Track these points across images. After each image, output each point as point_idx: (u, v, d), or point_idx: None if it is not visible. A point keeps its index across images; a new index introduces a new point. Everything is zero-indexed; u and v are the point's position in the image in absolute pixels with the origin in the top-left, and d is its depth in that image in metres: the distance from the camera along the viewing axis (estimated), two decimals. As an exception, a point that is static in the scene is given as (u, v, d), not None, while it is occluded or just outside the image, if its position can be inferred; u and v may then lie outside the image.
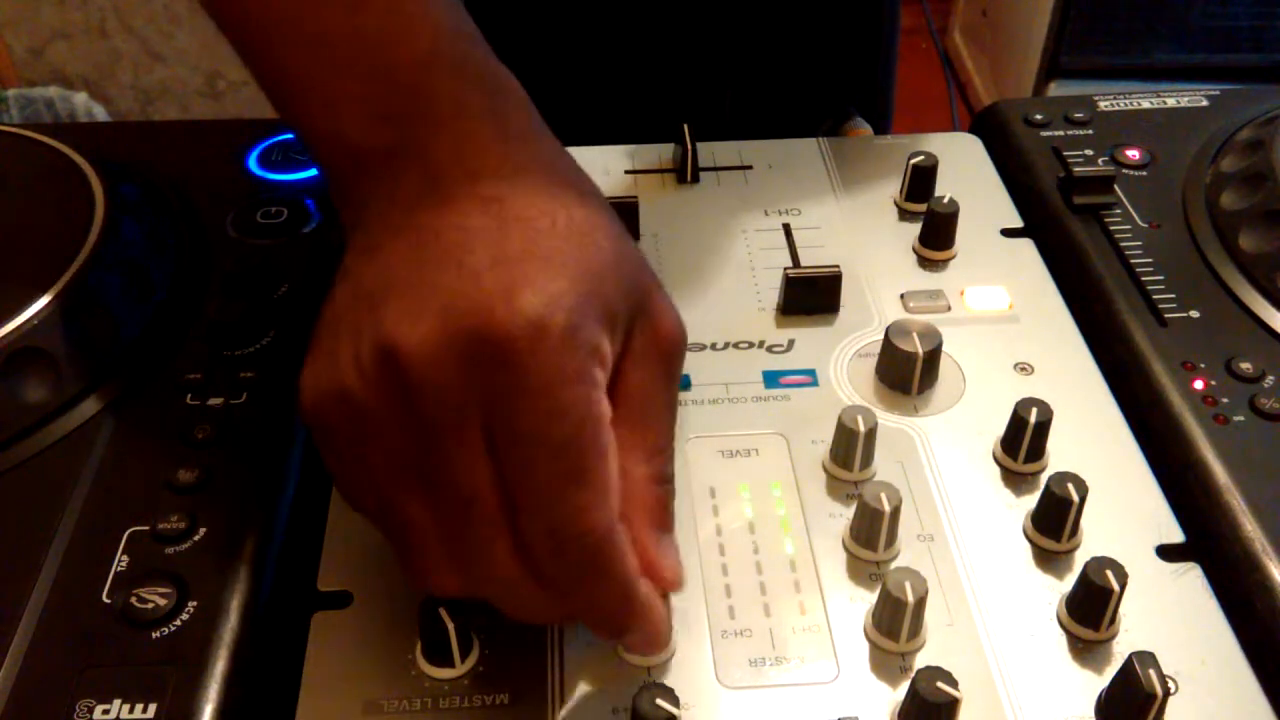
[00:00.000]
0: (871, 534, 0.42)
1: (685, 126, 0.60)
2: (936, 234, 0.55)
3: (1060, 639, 0.40)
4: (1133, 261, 0.54)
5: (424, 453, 0.33)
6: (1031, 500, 0.44)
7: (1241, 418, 0.47)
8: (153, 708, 0.37)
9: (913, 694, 0.36)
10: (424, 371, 0.32)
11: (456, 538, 0.34)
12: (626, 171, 0.61)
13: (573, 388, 0.32)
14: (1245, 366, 0.48)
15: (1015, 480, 0.45)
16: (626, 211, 0.56)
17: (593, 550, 0.33)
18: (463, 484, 0.33)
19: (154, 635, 0.39)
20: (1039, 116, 0.63)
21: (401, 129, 0.36)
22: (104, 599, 0.40)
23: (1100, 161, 0.60)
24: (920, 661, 0.39)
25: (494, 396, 0.32)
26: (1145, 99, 0.65)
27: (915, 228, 0.57)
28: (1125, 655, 0.37)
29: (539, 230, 0.34)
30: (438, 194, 0.35)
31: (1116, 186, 0.58)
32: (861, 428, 0.44)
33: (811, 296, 0.52)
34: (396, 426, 0.33)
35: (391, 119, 0.36)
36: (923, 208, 0.56)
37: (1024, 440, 0.45)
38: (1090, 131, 0.63)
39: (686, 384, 0.49)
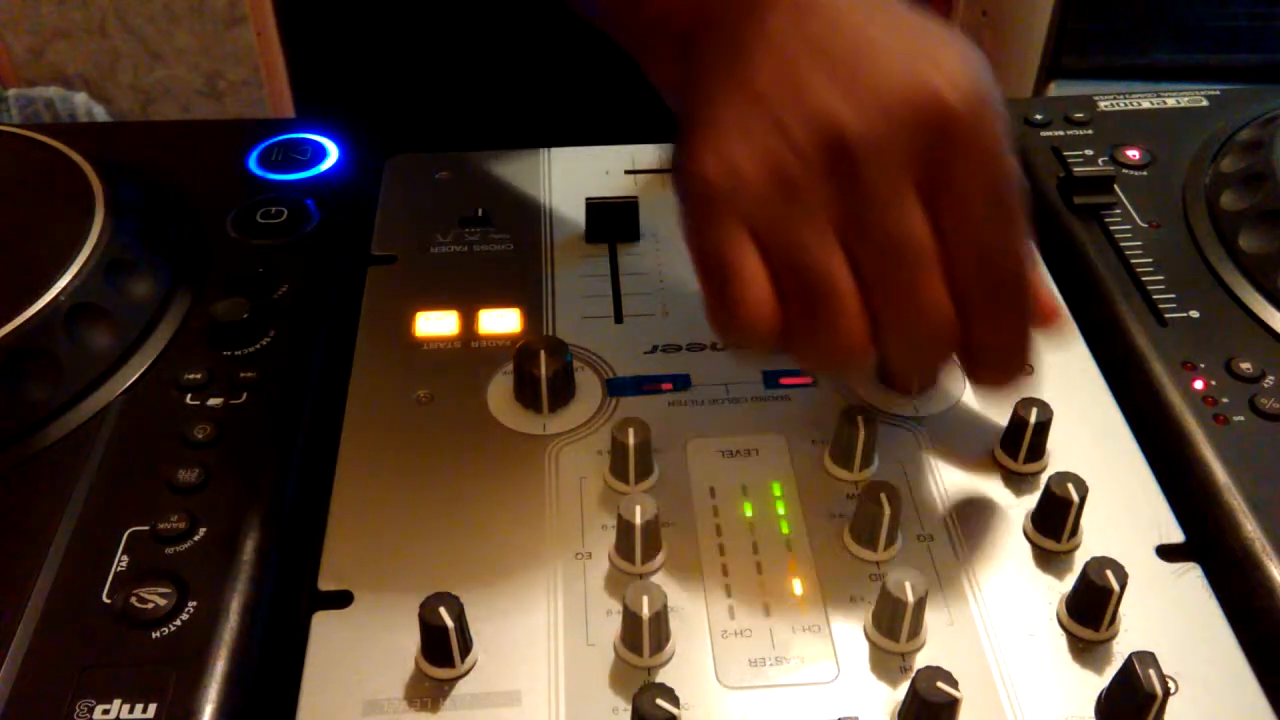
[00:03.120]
0: (871, 534, 0.42)
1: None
2: (936, 234, 0.55)
3: (1060, 639, 0.40)
4: (1133, 261, 0.54)
5: (864, 211, 0.37)
6: (1031, 500, 0.44)
7: (1241, 418, 0.47)
8: (153, 708, 0.37)
9: (913, 694, 0.36)
10: (871, 142, 0.36)
11: (889, 281, 0.38)
12: (626, 171, 0.61)
13: (1007, 151, 0.38)
14: (1245, 366, 0.48)
15: (1015, 480, 0.45)
16: (626, 211, 0.56)
17: (1019, 278, 0.39)
18: (905, 233, 0.37)
19: (154, 635, 0.39)
20: (1039, 116, 0.63)
21: None
22: (104, 599, 0.40)
23: (1100, 161, 0.60)
24: (920, 661, 0.39)
25: (939, 158, 0.37)
26: (1145, 99, 0.65)
27: (915, 228, 0.57)
28: (1125, 655, 0.37)
29: (917, 20, 0.38)
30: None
31: (1116, 186, 0.58)
32: (861, 428, 0.44)
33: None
34: (833, 190, 0.37)
35: None
36: (923, 208, 0.56)
37: (1024, 440, 0.45)
38: (1090, 131, 0.63)
39: (686, 384, 0.49)
